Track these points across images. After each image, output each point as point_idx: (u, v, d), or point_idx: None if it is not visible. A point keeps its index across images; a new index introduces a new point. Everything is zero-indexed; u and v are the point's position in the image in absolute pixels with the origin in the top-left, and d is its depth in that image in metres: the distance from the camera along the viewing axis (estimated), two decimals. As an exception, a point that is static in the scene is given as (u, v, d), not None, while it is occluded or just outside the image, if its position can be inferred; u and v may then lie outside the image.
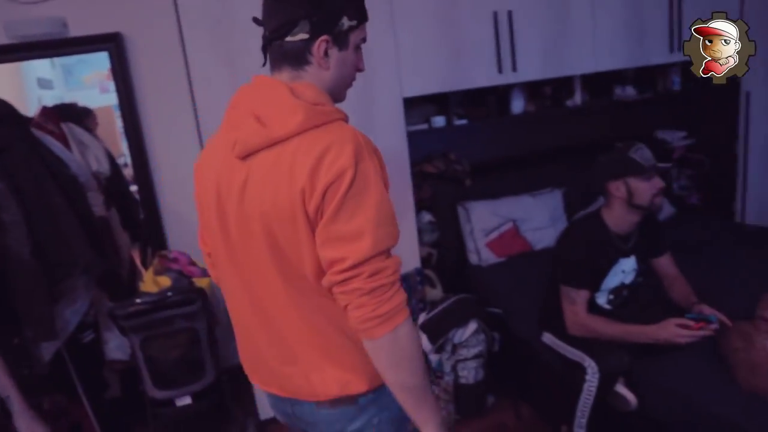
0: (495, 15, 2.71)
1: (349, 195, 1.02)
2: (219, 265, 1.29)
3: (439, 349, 2.62)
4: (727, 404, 1.77)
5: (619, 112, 3.61)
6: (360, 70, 1.22)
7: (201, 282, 2.66)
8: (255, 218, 1.11)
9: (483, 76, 2.75)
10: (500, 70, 2.75)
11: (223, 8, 2.35)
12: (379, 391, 1.20)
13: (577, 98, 3.18)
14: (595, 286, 2.16)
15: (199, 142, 2.45)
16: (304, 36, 1.10)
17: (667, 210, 3.61)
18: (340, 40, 1.13)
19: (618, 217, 2.13)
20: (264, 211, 1.10)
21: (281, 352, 1.22)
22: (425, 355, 2.63)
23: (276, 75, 1.16)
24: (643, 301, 2.25)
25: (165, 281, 2.54)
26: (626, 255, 2.13)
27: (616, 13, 3.00)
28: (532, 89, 3.11)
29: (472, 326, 2.57)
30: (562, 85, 3.17)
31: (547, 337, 2.25)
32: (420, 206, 3.07)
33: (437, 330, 2.61)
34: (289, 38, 1.11)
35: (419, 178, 3.01)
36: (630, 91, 3.50)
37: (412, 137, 2.80)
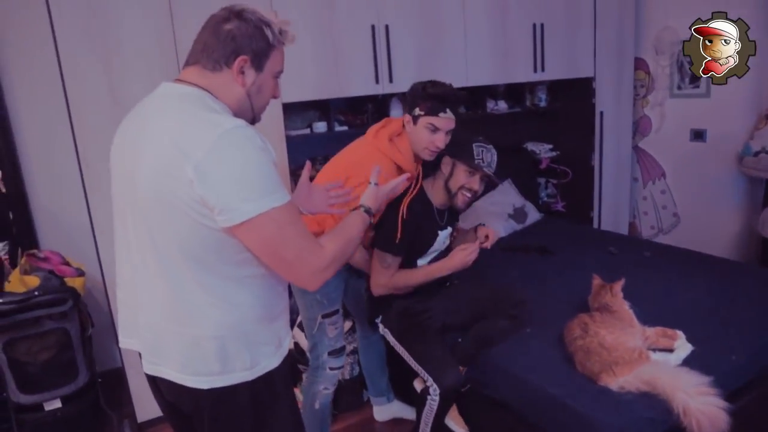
0: (373, 28, 2.85)
1: None
2: None
3: (316, 346, 2.71)
4: (563, 386, 1.98)
5: (492, 125, 3.89)
6: (434, 145, 2.10)
7: (74, 282, 2.59)
8: None
9: (360, 85, 2.88)
10: (377, 81, 2.90)
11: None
12: None
13: (453, 110, 3.41)
14: (420, 253, 2.28)
15: (73, 138, 2.33)
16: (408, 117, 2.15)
17: (534, 215, 3.94)
18: (415, 119, 2.12)
19: (437, 191, 2.25)
20: None
21: None
22: (304, 353, 2.72)
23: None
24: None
25: (33, 281, 2.46)
26: (443, 228, 2.29)
27: (485, 35, 3.26)
28: (411, 100, 3.28)
29: (347, 325, 2.68)
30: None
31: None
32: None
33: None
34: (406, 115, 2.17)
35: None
36: (502, 105, 3.80)
37: (294, 141, 2.89)
